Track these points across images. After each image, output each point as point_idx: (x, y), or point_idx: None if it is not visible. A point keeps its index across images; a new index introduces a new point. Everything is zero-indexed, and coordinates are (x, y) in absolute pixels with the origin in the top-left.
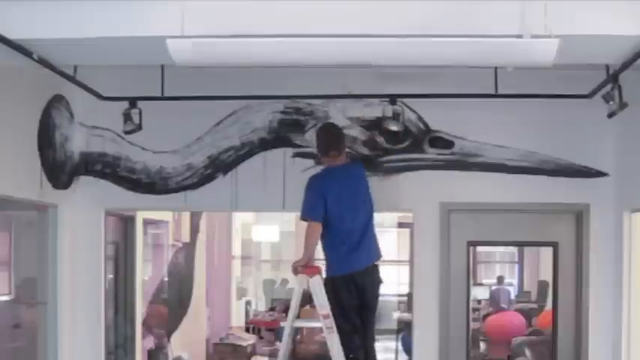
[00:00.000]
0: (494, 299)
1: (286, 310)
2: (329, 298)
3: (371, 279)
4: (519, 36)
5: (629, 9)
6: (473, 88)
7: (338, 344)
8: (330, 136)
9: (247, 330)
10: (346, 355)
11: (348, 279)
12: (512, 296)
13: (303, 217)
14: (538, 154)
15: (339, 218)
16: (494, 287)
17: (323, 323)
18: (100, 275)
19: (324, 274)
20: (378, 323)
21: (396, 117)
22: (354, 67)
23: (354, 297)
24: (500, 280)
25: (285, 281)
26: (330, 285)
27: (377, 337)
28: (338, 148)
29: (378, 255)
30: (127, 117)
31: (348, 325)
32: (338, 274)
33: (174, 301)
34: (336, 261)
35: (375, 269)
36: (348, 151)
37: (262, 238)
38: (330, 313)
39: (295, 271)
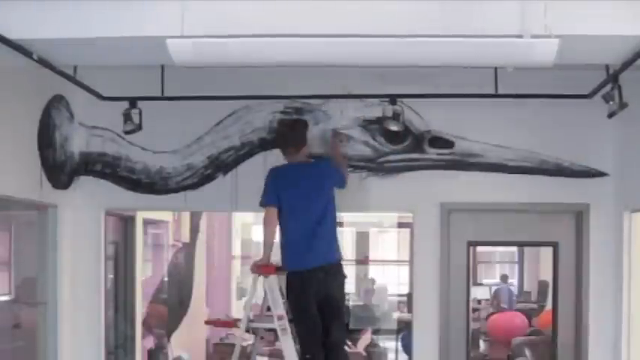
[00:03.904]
0: (497, 298)
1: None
2: (288, 296)
3: (331, 279)
4: (519, 36)
5: (629, 9)
6: (473, 88)
7: (292, 345)
8: (287, 134)
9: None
10: (302, 355)
11: (303, 276)
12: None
13: (261, 204)
14: (538, 154)
15: (291, 214)
16: (498, 286)
17: (277, 324)
18: (100, 275)
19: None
20: (378, 323)
21: (396, 117)
22: (353, 67)
23: (308, 295)
24: (503, 278)
25: None
26: (287, 281)
27: (377, 337)
28: (295, 145)
29: (334, 257)
30: (127, 117)
31: (302, 325)
32: (291, 269)
33: (174, 301)
34: (289, 256)
35: (334, 269)
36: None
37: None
38: (285, 315)
39: (253, 270)
